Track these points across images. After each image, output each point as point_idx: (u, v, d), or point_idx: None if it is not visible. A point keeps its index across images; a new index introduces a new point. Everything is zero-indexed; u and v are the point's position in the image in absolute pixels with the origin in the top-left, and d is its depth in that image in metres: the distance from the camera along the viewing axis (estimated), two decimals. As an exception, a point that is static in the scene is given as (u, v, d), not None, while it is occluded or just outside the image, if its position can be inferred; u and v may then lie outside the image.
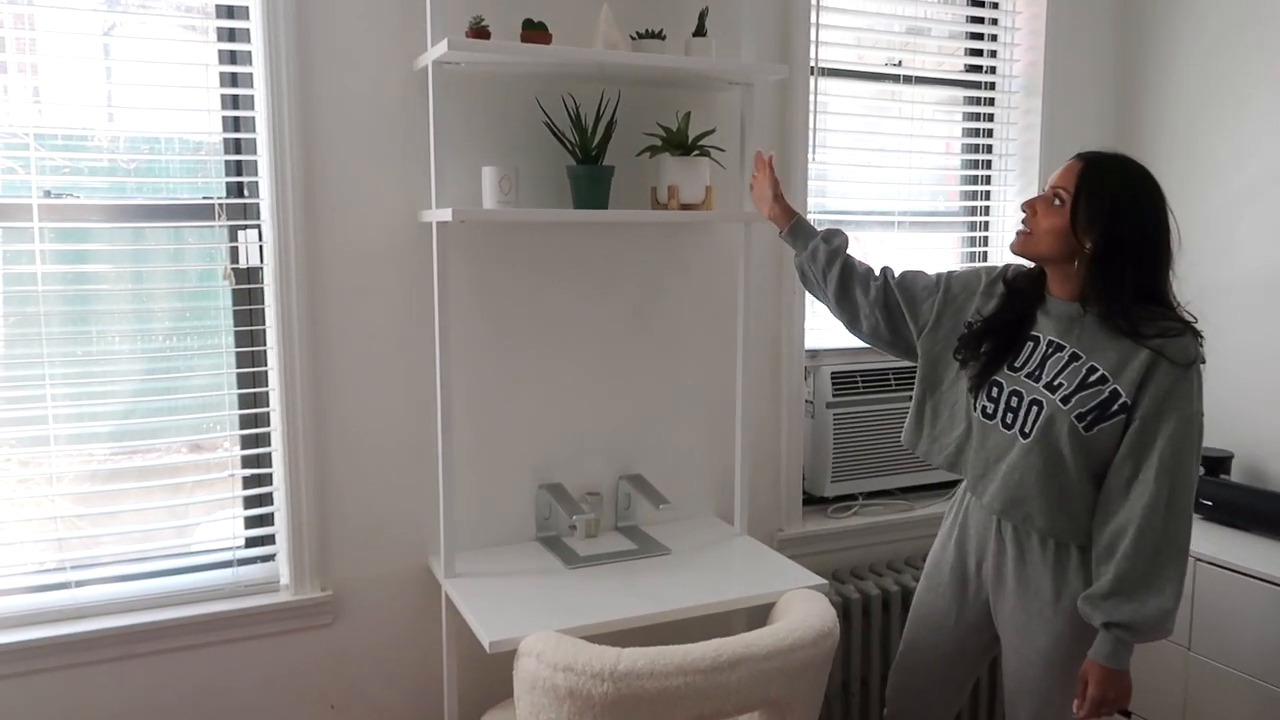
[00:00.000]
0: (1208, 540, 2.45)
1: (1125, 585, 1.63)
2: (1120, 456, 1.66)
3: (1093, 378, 1.67)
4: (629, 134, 2.30)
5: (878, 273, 2.01)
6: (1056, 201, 1.70)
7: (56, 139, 1.99)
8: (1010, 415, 1.76)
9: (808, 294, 2.61)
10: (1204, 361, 1.68)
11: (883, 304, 1.99)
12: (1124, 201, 1.66)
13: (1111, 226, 1.65)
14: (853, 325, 2.06)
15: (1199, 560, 2.38)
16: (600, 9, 2.17)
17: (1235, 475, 2.68)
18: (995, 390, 1.78)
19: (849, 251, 2.05)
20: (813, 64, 2.58)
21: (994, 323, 1.82)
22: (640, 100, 2.33)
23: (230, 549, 2.18)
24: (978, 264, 2.02)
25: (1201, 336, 1.67)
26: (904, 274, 2.00)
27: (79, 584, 2.05)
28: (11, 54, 1.95)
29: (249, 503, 2.21)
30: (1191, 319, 1.68)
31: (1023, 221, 1.76)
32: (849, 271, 2.01)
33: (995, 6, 2.94)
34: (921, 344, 1.95)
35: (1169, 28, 2.90)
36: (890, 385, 2.79)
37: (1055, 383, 1.70)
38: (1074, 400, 1.66)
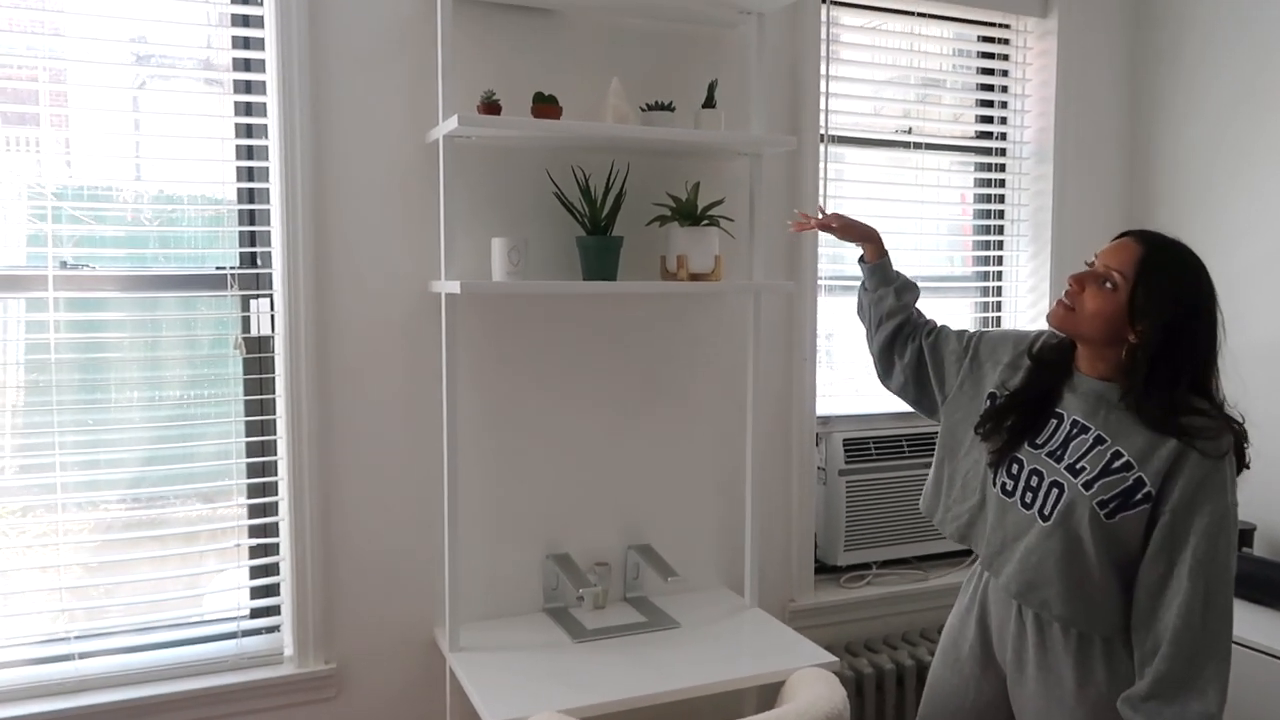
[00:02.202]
0: (1236, 620, 2.38)
1: (1164, 688, 1.55)
2: (1152, 553, 1.60)
3: (1117, 464, 1.61)
4: (638, 203, 2.31)
5: (922, 333, 1.99)
6: (1108, 284, 1.63)
7: (83, 197, 2.02)
8: (1030, 495, 1.71)
9: (822, 356, 2.62)
10: (1247, 466, 1.62)
11: (914, 366, 1.99)
12: (1188, 296, 1.60)
13: (1173, 320, 1.58)
14: (884, 378, 2.06)
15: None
16: (610, 81, 2.19)
17: (1258, 549, 2.62)
18: (1015, 467, 1.74)
19: (916, 306, 2.04)
20: (823, 131, 2.59)
21: (1018, 398, 1.77)
22: (649, 170, 2.35)
23: (235, 619, 2.17)
24: (1011, 328, 1.98)
25: (1247, 441, 1.61)
26: (937, 339, 1.97)
27: (82, 655, 2.03)
28: (43, 129, 1.99)
29: (255, 572, 2.20)
30: (1238, 419, 1.61)
31: (1066, 294, 1.68)
32: (900, 330, 2.00)
33: (1005, 75, 2.96)
34: (944, 410, 1.94)
35: (1178, 94, 2.91)
36: (904, 452, 2.76)
37: (1078, 466, 1.65)
38: (1096, 486, 1.61)
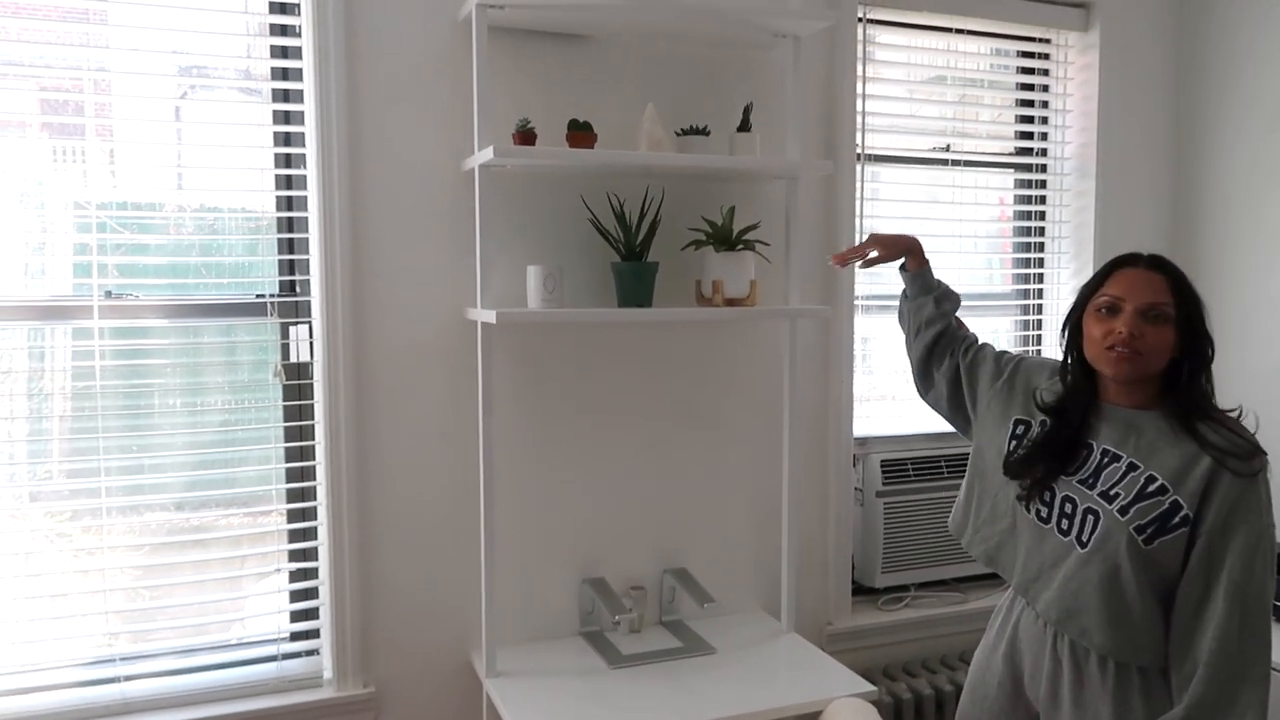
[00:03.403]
0: (1276, 643, 2.32)
1: (1201, 713, 1.54)
2: (1188, 576, 1.58)
3: (1152, 487, 1.60)
4: (673, 227, 2.31)
5: (960, 348, 1.99)
6: (1160, 319, 1.64)
7: (126, 218, 2.06)
8: (1065, 521, 1.69)
9: (858, 371, 2.60)
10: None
11: (951, 381, 1.99)
12: (1202, 308, 1.67)
13: (1206, 335, 1.66)
14: (922, 389, 2.07)
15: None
16: (645, 106, 2.19)
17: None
18: (1047, 495, 1.72)
19: (955, 315, 2.04)
20: (859, 151, 2.57)
21: (1047, 443, 1.75)
22: (685, 193, 2.35)
23: (275, 641, 2.20)
24: (1050, 358, 1.96)
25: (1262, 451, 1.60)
26: (975, 358, 1.97)
27: (127, 678, 2.07)
28: (88, 139, 2.03)
29: (294, 595, 2.22)
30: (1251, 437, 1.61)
31: (1122, 344, 1.64)
32: (939, 340, 2.01)
33: (1045, 89, 2.91)
34: (974, 430, 1.93)
35: (1223, 108, 2.85)
36: (943, 473, 2.73)
37: (1112, 492, 1.63)
38: (1132, 511, 1.60)
